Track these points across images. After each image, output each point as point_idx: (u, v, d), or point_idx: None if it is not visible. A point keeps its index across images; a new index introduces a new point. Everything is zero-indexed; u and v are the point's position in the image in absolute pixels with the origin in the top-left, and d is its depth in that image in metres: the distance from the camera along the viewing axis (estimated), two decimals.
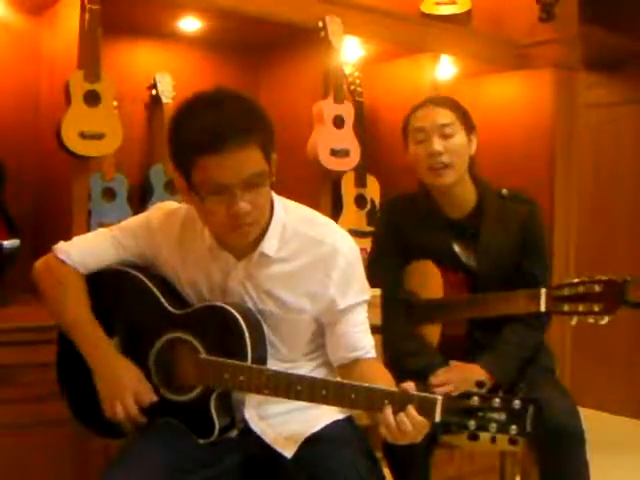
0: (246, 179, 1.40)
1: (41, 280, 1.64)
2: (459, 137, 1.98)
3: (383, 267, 2.09)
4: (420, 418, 1.35)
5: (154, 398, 1.51)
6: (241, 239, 1.49)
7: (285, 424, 1.55)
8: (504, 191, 2.05)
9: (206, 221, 1.50)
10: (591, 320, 1.87)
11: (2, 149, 2.30)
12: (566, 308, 1.88)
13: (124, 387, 1.49)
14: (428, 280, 2.06)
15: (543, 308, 1.90)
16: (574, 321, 1.90)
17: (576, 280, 1.89)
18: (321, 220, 1.62)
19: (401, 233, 2.08)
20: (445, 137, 1.96)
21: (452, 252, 2.03)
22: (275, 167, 1.49)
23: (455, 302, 2.03)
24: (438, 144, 1.95)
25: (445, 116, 1.98)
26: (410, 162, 2.05)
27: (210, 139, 1.37)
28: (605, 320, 1.86)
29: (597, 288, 1.85)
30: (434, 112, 1.99)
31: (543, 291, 1.91)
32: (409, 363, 1.97)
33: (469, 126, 2.02)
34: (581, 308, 1.86)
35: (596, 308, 1.85)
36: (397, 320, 2.03)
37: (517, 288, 1.99)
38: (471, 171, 2.04)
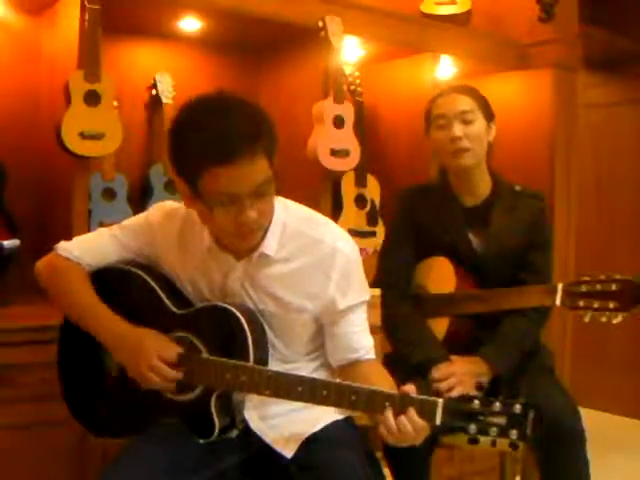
0: (255, 188, 1.39)
1: (44, 277, 1.64)
2: (479, 124, 2.03)
3: (395, 257, 2.13)
4: (421, 421, 1.35)
5: (178, 349, 1.49)
6: (247, 245, 1.50)
7: (285, 424, 1.55)
8: (517, 187, 2.11)
9: (211, 227, 1.50)
10: (604, 319, 1.89)
11: (2, 149, 2.30)
12: (581, 304, 1.90)
13: (146, 353, 1.46)
14: (440, 275, 2.08)
15: (558, 302, 1.93)
16: (587, 317, 1.91)
17: (594, 278, 1.91)
18: (321, 220, 1.62)
19: (417, 222, 2.11)
20: (465, 123, 2.02)
21: (467, 240, 2.07)
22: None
23: (467, 296, 2.05)
24: (459, 129, 2.01)
25: (465, 103, 2.03)
26: (431, 148, 2.13)
27: (220, 150, 1.35)
28: (619, 318, 1.87)
29: (614, 286, 1.87)
30: (455, 99, 2.05)
31: (560, 286, 1.93)
32: (411, 353, 1.98)
33: (488, 114, 2.08)
34: (596, 305, 1.88)
35: (611, 305, 1.86)
36: (402, 310, 2.06)
37: (520, 278, 2.03)
38: (488, 160, 2.10)
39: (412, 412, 1.36)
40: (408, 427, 1.35)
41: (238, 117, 1.39)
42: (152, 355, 1.46)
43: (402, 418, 1.36)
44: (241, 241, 1.48)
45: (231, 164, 1.35)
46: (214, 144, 1.35)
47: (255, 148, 1.37)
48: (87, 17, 2.16)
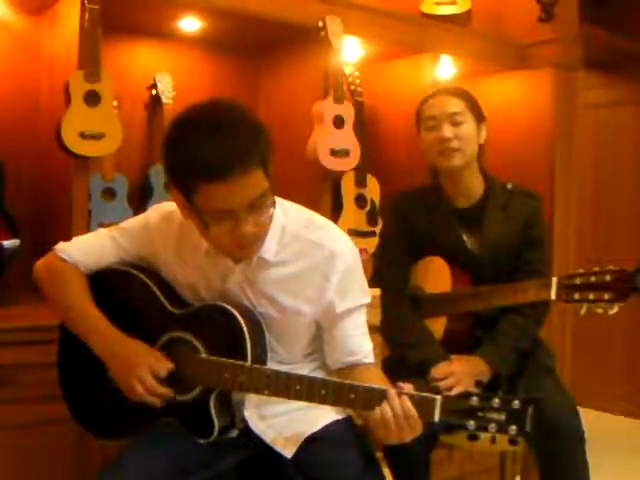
0: (250, 202, 1.39)
1: (42, 279, 1.64)
2: (468, 125, 2.03)
3: (390, 260, 2.13)
4: (415, 412, 1.36)
5: (170, 366, 1.50)
6: (245, 255, 1.50)
7: (285, 424, 1.55)
8: (509, 185, 2.11)
9: (207, 239, 1.49)
10: (600, 310, 1.89)
11: (2, 149, 2.30)
12: (577, 296, 1.91)
13: (137, 364, 1.48)
14: (436, 275, 2.08)
15: (553, 296, 1.93)
16: (583, 310, 1.91)
17: (587, 270, 1.92)
18: (320, 222, 1.61)
19: (409, 226, 2.12)
20: (455, 124, 2.02)
21: (461, 241, 2.07)
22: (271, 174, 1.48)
23: (463, 294, 2.05)
24: (448, 131, 2.01)
25: (456, 105, 2.04)
26: (421, 149, 2.12)
27: (213, 167, 1.34)
28: (615, 309, 1.87)
29: (608, 277, 1.88)
30: (445, 101, 2.05)
31: (554, 280, 1.94)
32: (410, 354, 1.99)
33: (479, 116, 2.08)
34: (591, 296, 1.89)
35: (606, 296, 1.87)
36: (399, 311, 2.06)
37: (516, 276, 2.03)
38: (480, 162, 2.10)
39: (407, 402, 1.36)
40: (402, 421, 1.35)
41: (230, 132, 1.37)
42: (143, 366, 1.47)
43: (397, 408, 1.36)
44: (239, 252, 1.49)
45: (224, 181, 1.35)
46: (206, 162, 1.34)
47: (248, 163, 1.36)
48: (87, 17, 2.16)
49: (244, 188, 1.37)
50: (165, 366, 1.50)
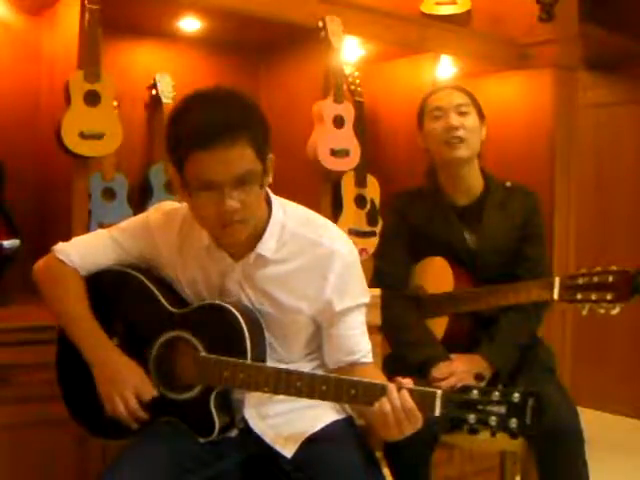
0: (235, 177, 1.40)
1: (41, 281, 1.64)
2: (473, 118, 2.06)
3: (390, 260, 2.13)
4: (414, 405, 1.36)
5: (154, 393, 1.51)
6: (230, 237, 1.49)
7: (285, 424, 1.55)
8: (508, 183, 2.13)
9: (197, 218, 1.50)
10: (602, 310, 1.90)
11: (2, 149, 2.30)
12: (579, 296, 1.91)
13: (124, 382, 1.49)
14: (438, 275, 2.08)
15: (556, 296, 1.93)
16: (585, 310, 1.92)
17: (590, 270, 1.92)
18: (319, 221, 1.61)
19: (409, 225, 2.12)
20: (461, 114, 2.04)
21: (462, 238, 2.07)
22: (272, 167, 1.49)
23: (465, 294, 2.05)
24: (455, 119, 2.03)
25: (461, 97, 2.07)
26: (424, 142, 2.12)
27: (199, 135, 1.38)
28: (617, 310, 1.88)
29: (610, 278, 1.88)
30: (451, 93, 2.09)
31: (557, 280, 1.94)
32: (410, 354, 1.99)
33: (480, 113, 2.10)
34: (594, 297, 1.89)
35: (609, 296, 1.87)
36: (399, 311, 2.06)
37: (517, 272, 2.04)
38: (479, 160, 2.11)
39: (405, 393, 1.37)
40: (400, 412, 1.36)
41: (223, 106, 1.42)
42: (129, 386, 1.49)
43: (396, 401, 1.36)
44: (225, 233, 1.48)
45: (209, 150, 1.38)
46: (195, 130, 1.39)
47: (235, 136, 1.39)
48: (87, 17, 2.17)
49: (228, 160, 1.39)
50: (150, 392, 1.51)
